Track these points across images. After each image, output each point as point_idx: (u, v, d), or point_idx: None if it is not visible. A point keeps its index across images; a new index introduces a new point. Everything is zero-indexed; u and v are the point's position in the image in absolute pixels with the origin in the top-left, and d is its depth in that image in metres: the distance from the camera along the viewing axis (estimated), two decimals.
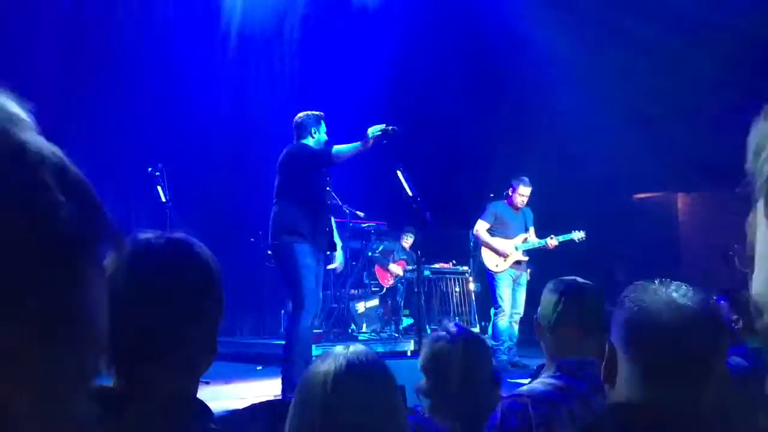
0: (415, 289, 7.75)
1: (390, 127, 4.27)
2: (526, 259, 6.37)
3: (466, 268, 8.07)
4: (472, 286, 8.01)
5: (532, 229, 6.43)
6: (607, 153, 8.64)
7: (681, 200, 10.02)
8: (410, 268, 7.92)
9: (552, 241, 6.30)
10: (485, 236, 6.35)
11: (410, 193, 4.27)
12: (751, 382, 2.10)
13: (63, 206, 0.42)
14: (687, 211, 9.98)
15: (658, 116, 8.38)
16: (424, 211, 4.19)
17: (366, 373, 1.23)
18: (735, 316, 2.93)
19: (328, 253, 4.69)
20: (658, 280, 1.20)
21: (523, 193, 6.29)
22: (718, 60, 7.43)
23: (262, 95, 8.54)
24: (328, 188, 4.75)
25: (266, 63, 8.59)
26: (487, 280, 6.57)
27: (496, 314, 6.31)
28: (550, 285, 2.01)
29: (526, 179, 6.33)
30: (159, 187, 5.71)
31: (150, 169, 5.79)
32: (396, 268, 8.00)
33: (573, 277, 1.99)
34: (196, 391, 1.01)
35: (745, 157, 0.55)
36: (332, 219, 4.82)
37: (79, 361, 0.43)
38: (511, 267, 6.28)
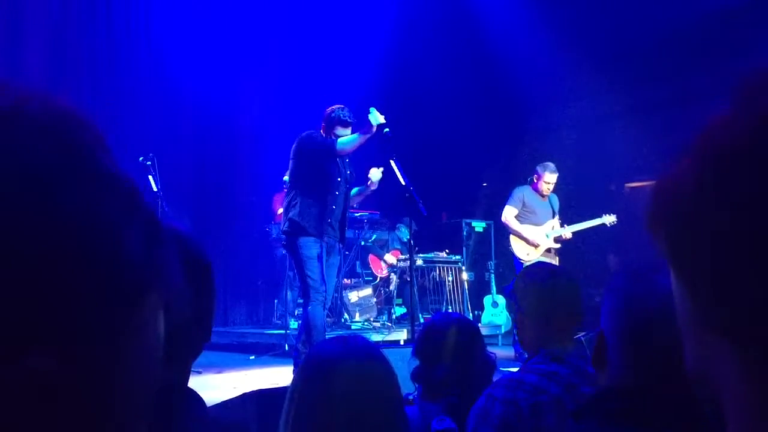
0: (408, 279, 7.77)
1: (386, 129, 4.30)
2: (558, 246, 6.14)
3: (458, 257, 8.08)
4: (465, 276, 8.02)
5: (557, 217, 6.20)
6: (599, 142, 8.66)
7: None
8: (404, 257, 7.93)
9: (567, 233, 6.11)
10: (515, 224, 6.06)
11: (403, 183, 4.27)
12: None
13: (130, 243, 0.36)
14: None
15: (649, 105, 8.39)
16: (417, 201, 4.20)
17: (366, 363, 1.24)
18: None
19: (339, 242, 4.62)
20: (648, 267, 1.20)
21: (549, 180, 6.06)
22: (712, 47, 7.43)
23: (254, 86, 8.50)
24: (339, 179, 4.54)
25: (258, 54, 8.54)
26: (516, 269, 6.26)
27: None
28: (523, 275, 2.01)
29: (552, 165, 6.10)
30: (150, 177, 5.68)
31: (141, 158, 5.76)
32: (390, 258, 8.02)
33: (545, 263, 2.00)
34: (187, 381, 1.00)
35: None
36: (345, 209, 4.66)
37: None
38: (541, 255, 6.02)
